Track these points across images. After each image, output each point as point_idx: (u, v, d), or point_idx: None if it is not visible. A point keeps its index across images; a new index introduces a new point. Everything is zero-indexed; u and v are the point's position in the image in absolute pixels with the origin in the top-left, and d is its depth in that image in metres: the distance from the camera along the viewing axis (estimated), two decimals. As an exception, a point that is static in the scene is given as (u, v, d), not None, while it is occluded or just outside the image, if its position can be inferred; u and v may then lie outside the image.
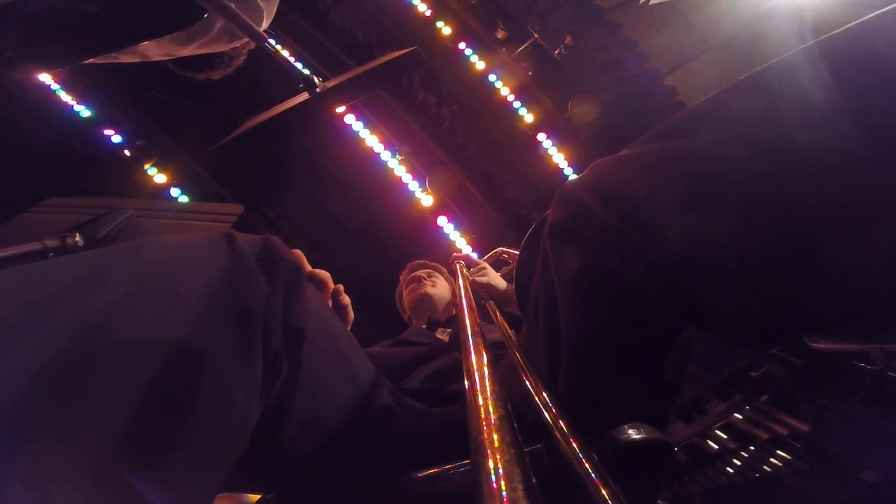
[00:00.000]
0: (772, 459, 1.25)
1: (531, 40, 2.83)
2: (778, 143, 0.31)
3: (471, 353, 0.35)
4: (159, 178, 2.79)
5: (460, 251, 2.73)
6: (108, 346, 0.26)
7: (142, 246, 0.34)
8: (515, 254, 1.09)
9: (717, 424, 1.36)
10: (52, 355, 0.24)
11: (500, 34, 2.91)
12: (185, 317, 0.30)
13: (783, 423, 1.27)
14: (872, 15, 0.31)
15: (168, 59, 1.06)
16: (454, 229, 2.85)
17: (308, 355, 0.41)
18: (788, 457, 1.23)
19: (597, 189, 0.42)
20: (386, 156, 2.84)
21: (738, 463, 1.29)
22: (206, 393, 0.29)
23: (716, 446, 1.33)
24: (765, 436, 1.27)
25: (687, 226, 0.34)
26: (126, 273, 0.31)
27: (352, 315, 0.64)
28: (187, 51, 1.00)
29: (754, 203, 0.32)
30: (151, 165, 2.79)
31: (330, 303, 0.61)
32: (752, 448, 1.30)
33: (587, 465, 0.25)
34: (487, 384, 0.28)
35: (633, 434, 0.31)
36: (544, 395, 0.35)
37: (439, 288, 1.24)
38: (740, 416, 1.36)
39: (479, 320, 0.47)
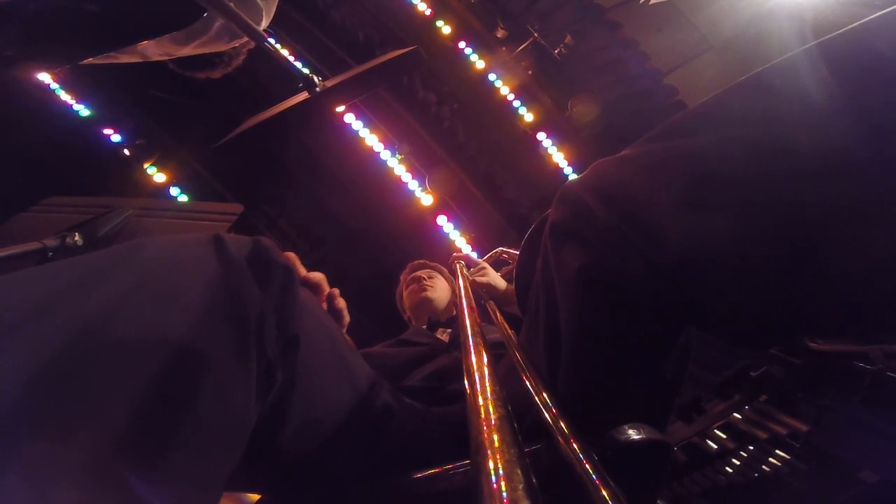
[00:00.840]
0: (771, 459, 1.25)
1: (531, 39, 2.83)
2: (778, 144, 0.31)
3: (471, 353, 0.35)
4: (159, 177, 2.79)
5: (460, 251, 2.73)
6: (108, 346, 0.26)
7: (140, 246, 0.34)
8: (515, 254, 1.09)
9: (717, 424, 1.36)
10: (52, 355, 0.24)
11: (501, 33, 2.91)
12: (184, 317, 0.30)
13: (782, 423, 1.27)
14: (874, 16, 0.31)
15: (168, 59, 1.06)
16: (454, 229, 2.85)
17: (304, 359, 0.41)
18: (787, 457, 1.23)
19: (597, 189, 0.42)
20: (386, 155, 2.84)
21: (738, 463, 1.29)
22: (205, 393, 0.29)
23: (715, 446, 1.33)
24: (764, 436, 1.28)
25: (687, 226, 0.34)
26: (125, 273, 0.31)
27: (347, 318, 0.63)
28: (187, 50, 1.00)
29: (754, 203, 0.32)
30: (151, 164, 2.79)
31: (325, 306, 0.60)
32: (751, 448, 1.30)
33: (587, 466, 0.25)
34: (487, 384, 0.28)
35: (633, 434, 0.32)
36: (544, 395, 0.35)
37: (439, 290, 1.24)
38: (739, 416, 1.36)
39: (479, 320, 0.47)
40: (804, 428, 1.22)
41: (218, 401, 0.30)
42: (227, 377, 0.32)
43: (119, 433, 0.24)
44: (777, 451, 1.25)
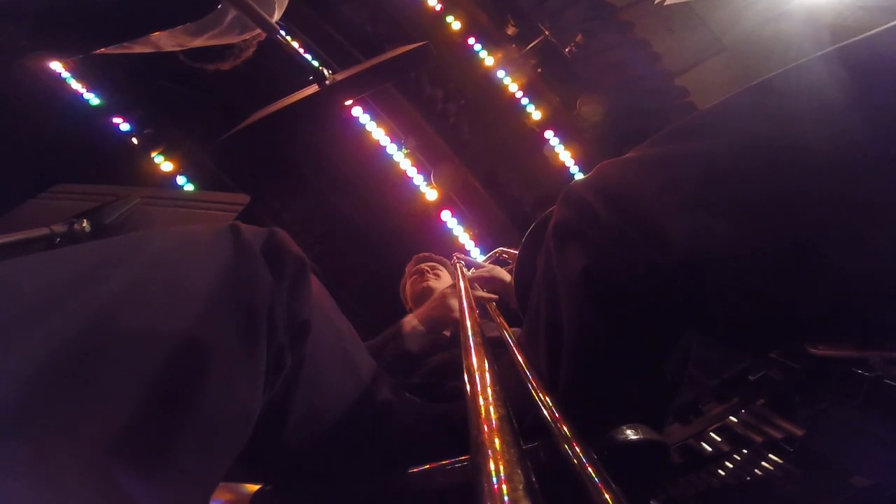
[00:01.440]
0: (764, 463, 1.25)
1: (541, 38, 2.81)
2: (783, 148, 0.31)
3: (471, 353, 0.35)
4: (166, 166, 2.80)
5: (463, 247, 2.74)
6: (115, 337, 0.27)
7: (149, 237, 0.34)
8: (515, 254, 1.08)
9: (713, 427, 1.36)
10: (59, 346, 0.24)
11: (510, 30, 2.89)
12: (191, 309, 0.31)
13: (778, 427, 1.27)
14: (891, 24, 0.30)
15: (179, 50, 1.06)
16: (457, 224, 2.84)
17: (311, 349, 0.41)
18: (781, 461, 1.23)
19: (601, 190, 0.42)
20: (392, 149, 2.83)
21: (731, 466, 1.29)
22: (210, 385, 0.30)
23: (710, 448, 1.33)
24: (759, 439, 1.27)
25: (689, 227, 0.34)
26: (133, 264, 0.31)
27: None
28: (199, 41, 1.01)
29: (757, 205, 0.32)
30: (158, 154, 2.80)
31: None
32: (745, 451, 1.30)
33: (587, 466, 0.26)
34: (487, 384, 0.28)
35: (631, 434, 0.32)
36: (544, 395, 0.35)
37: (442, 281, 1.24)
38: (735, 420, 1.36)
39: (479, 320, 0.48)
40: (799, 432, 1.22)
41: (223, 393, 0.31)
42: (233, 370, 0.32)
43: (122, 426, 0.25)
44: (771, 455, 1.25)
